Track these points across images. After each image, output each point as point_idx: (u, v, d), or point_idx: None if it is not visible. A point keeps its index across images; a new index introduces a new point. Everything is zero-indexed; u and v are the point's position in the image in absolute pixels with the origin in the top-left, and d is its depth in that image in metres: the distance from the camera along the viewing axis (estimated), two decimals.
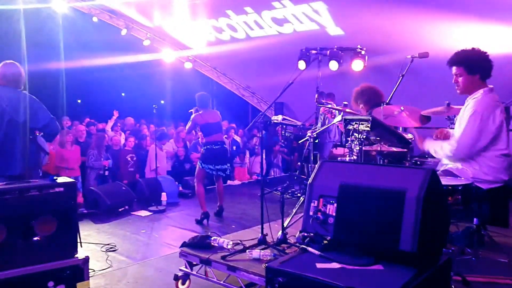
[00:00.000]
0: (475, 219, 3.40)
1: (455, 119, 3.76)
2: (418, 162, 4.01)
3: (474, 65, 3.28)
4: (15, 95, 3.95)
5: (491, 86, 3.34)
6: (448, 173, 3.40)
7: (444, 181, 3.05)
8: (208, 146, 5.76)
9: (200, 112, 5.81)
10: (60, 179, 3.03)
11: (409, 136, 3.96)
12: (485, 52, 3.31)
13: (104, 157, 7.59)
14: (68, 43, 12.63)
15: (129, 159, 7.90)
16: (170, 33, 10.19)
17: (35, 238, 2.83)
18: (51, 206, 2.89)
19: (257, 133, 10.11)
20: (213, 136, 5.78)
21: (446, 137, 3.59)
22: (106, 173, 7.53)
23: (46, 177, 3.34)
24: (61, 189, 2.93)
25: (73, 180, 3.06)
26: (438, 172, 2.94)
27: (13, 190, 2.79)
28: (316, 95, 7.95)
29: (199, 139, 8.72)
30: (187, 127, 6.06)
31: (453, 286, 2.75)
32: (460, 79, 3.34)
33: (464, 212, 3.18)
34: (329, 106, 5.72)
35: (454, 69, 3.36)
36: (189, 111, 6.06)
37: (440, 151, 3.41)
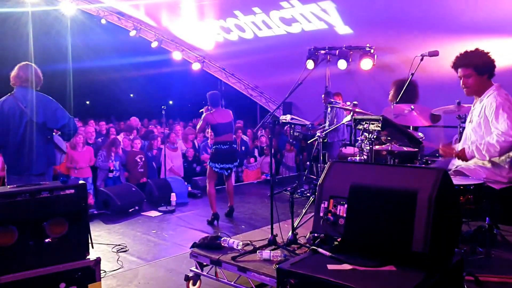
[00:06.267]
0: (487, 218, 3.36)
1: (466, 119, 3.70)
2: (429, 162, 3.97)
3: (483, 66, 3.29)
4: (33, 96, 4.01)
5: (497, 83, 3.32)
6: (459, 173, 3.36)
7: (456, 180, 3.01)
8: (217, 146, 5.77)
9: (211, 111, 5.80)
10: (71, 181, 3.05)
11: (419, 135, 3.93)
12: (488, 52, 3.31)
13: (115, 159, 7.66)
14: (76, 45, 12.74)
15: (138, 160, 7.94)
16: (178, 34, 10.22)
17: (47, 240, 2.85)
18: (62, 208, 2.91)
19: (264, 133, 10.11)
20: (223, 136, 5.78)
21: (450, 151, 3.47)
22: (110, 174, 7.57)
23: (58, 178, 3.37)
24: (72, 190, 2.95)
25: (84, 182, 3.08)
26: (449, 172, 2.91)
27: (24, 192, 2.81)
28: (323, 95, 7.95)
29: (208, 140, 8.81)
30: (198, 125, 6.04)
31: (465, 286, 2.72)
32: (469, 80, 3.32)
33: (475, 211, 3.14)
34: (339, 105, 5.68)
35: (461, 71, 3.35)
36: (200, 111, 6.04)
37: (484, 148, 3.15)
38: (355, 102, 4.59)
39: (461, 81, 3.39)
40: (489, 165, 3.28)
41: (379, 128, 3.31)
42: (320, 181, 2.57)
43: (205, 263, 3.40)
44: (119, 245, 4.86)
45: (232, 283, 3.23)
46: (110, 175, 7.57)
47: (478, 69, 3.29)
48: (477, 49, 3.34)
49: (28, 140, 3.92)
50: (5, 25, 11.07)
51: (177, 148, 8.66)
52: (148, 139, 8.93)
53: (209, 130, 6.10)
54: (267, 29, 8.48)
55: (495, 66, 3.32)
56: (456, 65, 3.37)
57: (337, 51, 7.97)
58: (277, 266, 2.32)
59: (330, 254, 2.34)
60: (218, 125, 5.78)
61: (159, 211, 6.51)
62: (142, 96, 20.70)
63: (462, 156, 3.31)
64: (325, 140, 6.89)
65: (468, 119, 3.54)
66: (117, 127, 11.15)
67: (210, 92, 5.97)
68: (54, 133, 4.17)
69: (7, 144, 3.99)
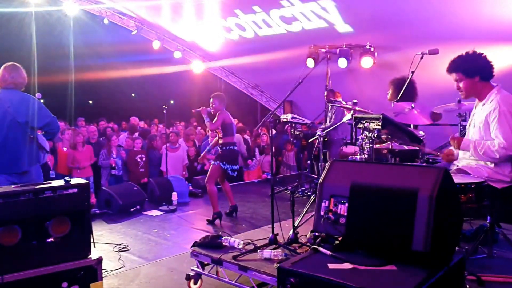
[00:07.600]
0: (488, 217, 3.36)
1: (468, 121, 3.68)
2: (431, 160, 3.97)
3: (471, 68, 3.28)
4: (16, 96, 4.06)
5: (496, 84, 3.30)
6: (461, 171, 3.35)
7: (457, 179, 3.01)
8: (229, 147, 5.74)
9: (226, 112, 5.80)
10: (74, 180, 3.05)
11: (420, 133, 3.93)
12: (481, 54, 3.29)
13: (117, 156, 7.70)
14: (78, 45, 12.77)
15: (138, 160, 7.97)
16: (179, 34, 10.23)
17: (49, 239, 2.86)
18: (65, 207, 2.92)
19: (266, 132, 10.11)
20: (233, 137, 5.82)
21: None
22: (113, 171, 7.67)
23: (58, 179, 3.39)
24: (75, 190, 2.96)
25: (87, 181, 3.09)
26: (451, 171, 2.91)
27: (27, 191, 2.82)
28: (326, 93, 7.93)
29: (208, 139, 8.79)
30: (213, 123, 5.78)
31: (467, 286, 2.72)
32: (461, 84, 3.32)
33: (477, 210, 3.14)
34: (338, 104, 5.68)
35: (453, 75, 3.35)
36: (209, 108, 5.90)
37: (482, 149, 3.17)
38: (355, 101, 4.59)
39: (455, 86, 3.40)
40: (491, 164, 3.26)
41: (379, 127, 3.31)
42: (320, 180, 2.57)
43: (206, 262, 3.41)
44: (120, 244, 4.87)
45: (233, 282, 3.23)
46: (113, 172, 7.62)
47: (466, 72, 3.28)
48: (467, 53, 3.33)
49: (11, 139, 3.96)
50: (9, 25, 11.12)
51: (177, 148, 8.64)
52: (146, 138, 8.94)
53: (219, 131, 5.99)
54: (267, 28, 8.48)
55: (490, 66, 3.28)
56: (448, 70, 3.39)
57: (338, 50, 7.97)
58: (278, 265, 2.32)
59: (331, 253, 2.35)
60: (231, 124, 5.80)
61: (161, 211, 6.52)
62: (143, 95, 20.73)
63: (458, 142, 3.31)
64: (326, 139, 6.89)
65: (469, 122, 3.52)
66: (119, 127, 11.18)
67: (220, 94, 5.96)
68: (39, 133, 4.21)
69: None
